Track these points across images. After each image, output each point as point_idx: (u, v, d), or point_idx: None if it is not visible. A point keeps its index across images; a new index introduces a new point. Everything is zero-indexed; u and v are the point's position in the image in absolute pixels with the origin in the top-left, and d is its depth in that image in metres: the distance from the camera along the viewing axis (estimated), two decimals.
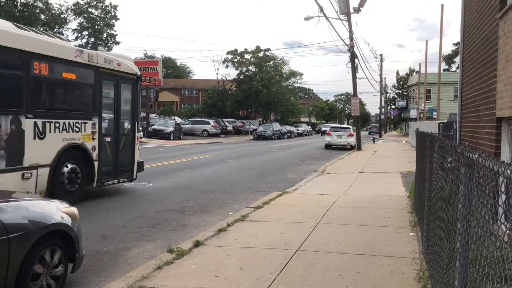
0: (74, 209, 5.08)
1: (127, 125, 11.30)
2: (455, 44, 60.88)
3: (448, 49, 68.82)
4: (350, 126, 36.36)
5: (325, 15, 27.99)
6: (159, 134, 36.30)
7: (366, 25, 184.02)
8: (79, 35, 64.38)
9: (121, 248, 6.58)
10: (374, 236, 6.96)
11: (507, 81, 6.97)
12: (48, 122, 8.72)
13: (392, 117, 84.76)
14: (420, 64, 59.17)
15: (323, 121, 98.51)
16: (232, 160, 20.71)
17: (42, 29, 61.47)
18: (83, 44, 64.47)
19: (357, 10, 29.36)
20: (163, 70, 54.87)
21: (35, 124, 8.42)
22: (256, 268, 5.42)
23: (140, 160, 11.99)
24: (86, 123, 9.74)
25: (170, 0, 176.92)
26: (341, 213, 8.75)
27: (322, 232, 7.19)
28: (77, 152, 9.53)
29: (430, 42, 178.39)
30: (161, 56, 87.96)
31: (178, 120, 49.66)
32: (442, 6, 43.47)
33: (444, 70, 58.38)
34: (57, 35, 10.37)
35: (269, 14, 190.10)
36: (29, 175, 8.28)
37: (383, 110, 71.17)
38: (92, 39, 64.65)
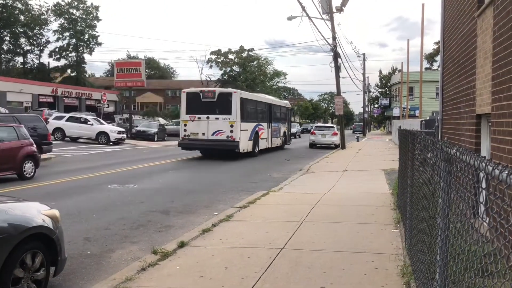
0: (55, 212, 5.01)
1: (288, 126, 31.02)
2: (436, 43, 61.71)
3: (429, 47, 69.86)
4: (334, 125, 36.56)
5: (307, 14, 28.14)
6: (143, 136, 36.01)
7: (348, 24, 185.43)
8: (60, 36, 63.56)
9: (104, 250, 6.51)
10: (358, 233, 7.02)
11: (485, 79, 7.09)
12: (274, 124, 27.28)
13: (375, 115, 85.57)
14: (402, 63, 59.85)
15: (307, 120, 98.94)
16: (217, 161, 20.63)
17: (22, 30, 60.54)
18: (64, 45, 63.71)
19: (340, 10, 29.55)
20: (147, 71, 54.41)
21: (260, 126, 24.58)
22: (241, 267, 5.42)
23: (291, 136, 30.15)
24: (284, 125, 29.98)
25: (152, 0, 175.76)
26: (326, 211, 8.79)
27: (307, 231, 7.22)
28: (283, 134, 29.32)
29: (412, 41, 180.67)
30: (144, 56, 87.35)
31: (162, 121, 49.33)
32: (423, 5, 44.09)
33: (426, 68, 59.11)
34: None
35: (252, 14, 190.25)
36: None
37: (366, 109, 71.82)
38: (74, 40, 63.91)
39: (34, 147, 13.74)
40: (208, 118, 20.57)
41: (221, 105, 20.55)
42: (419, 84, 34.79)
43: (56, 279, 5.12)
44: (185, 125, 21.24)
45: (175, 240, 6.74)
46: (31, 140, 13.84)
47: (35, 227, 4.45)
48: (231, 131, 20.29)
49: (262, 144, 24.54)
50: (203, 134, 20.69)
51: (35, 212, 4.68)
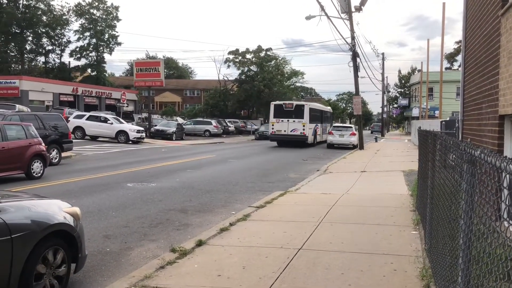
0: (76, 209, 5.09)
1: (330, 125, 37.43)
2: (457, 42, 60.75)
3: (450, 47, 68.73)
4: (352, 125, 36.33)
5: (326, 14, 28.00)
6: (162, 135, 36.32)
7: (367, 24, 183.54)
8: (81, 36, 64.43)
9: (123, 248, 6.58)
10: (377, 235, 6.95)
11: (509, 79, 6.95)
12: (323, 125, 36.25)
13: (394, 116, 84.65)
14: (422, 62, 59.11)
15: None
16: (234, 160, 20.72)
17: (44, 30, 61.65)
18: (85, 45, 64.63)
19: (358, 9, 29.31)
20: (165, 70, 54.84)
21: (317, 126, 34.59)
22: (259, 267, 5.42)
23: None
24: (328, 124, 38.35)
25: (171, 0, 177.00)
26: (344, 212, 8.74)
27: (324, 231, 7.18)
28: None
29: (431, 40, 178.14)
30: (163, 56, 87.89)
31: (180, 120, 49.68)
32: (443, 4, 43.18)
33: (446, 68, 58.24)
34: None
35: (270, 14, 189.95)
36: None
37: (385, 109, 71.12)
38: (94, 40, 64.75)
39: (42, 146, 13.66)
40: (288, 120, 31.54)
41: (297, 112, 31.62)
42: (439, 84, 34.26)
43: (77, 275, 5.20)
44: (272, 125, 32.29)
45: (193, 238, 6.78)
46: (40, 139, 13.75)
47: (56, 224, 4.52)
48: (303, 129, 31.26)
49: (318, 138, 34.72)
50: (284, 131, 31.60)
51: (57, 210, 4.76)
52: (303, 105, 32.55)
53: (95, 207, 9.27)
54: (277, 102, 34.06)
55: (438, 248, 4.43)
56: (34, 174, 13.12)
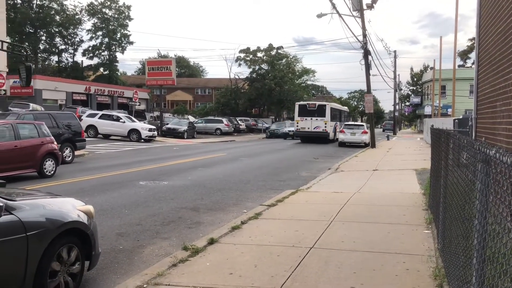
0: (90, 207, 5.14)
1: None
2: (470, 40, 60.06)
3: (463, 44, 67.90)
4: (364, 124, 36.14)
5: (338, 12, 27.84)
6: (173, 133, 36.48)
7: (379, 21, 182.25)
8: (93, 35, 64.99)
9: (136, 246, 6.64)
10: (389, 234, 6.92)
11: None
12: (341, 123, 36.49)
13: (406, 114, 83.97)
14: (434, 60, 58.58)
15: None
16: (245, 158, 20.74)
17: (57, 30, 62.28)
18: (97, 44, 65.15)
19: (370, 7, 29.11)
20: (177, 69, 55.08)
21: (337, 123, 36.62)
22: (271, 265, 5.43)
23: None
24: (340, 123, 37.45)
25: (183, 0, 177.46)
26: (356, 211, 8.70)
27: (336, 230, 7.16)
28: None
29: (444, 38, 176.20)
30: (174, 55, 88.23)
31: (191, 119, 49.85)
32: (456, 0, 42.79)
33: (459, 66, 57.58)
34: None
35: (281, 12, 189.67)
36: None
37: (397, 107, 70.58)
38: (106, 40, 65.25)
39: (55, 145, 13.75)
40: (311, 119, 34.87)
41: (319, 111, 35.05)
42: (452, 82, 33.92)
43: (90, 273, 5.26)
44: (297, 123, 35.66)
45: (205, 237, 6.81)
46: (52, 138, 13.84)
47: (70, 222, 4.58)
48: (325, 127, 34.51)
49: (337, 135, 36.40)
50: (308, 128, 34.98)
51: (71, 208, 4.82)
52: (325, 105, 36.04)
53: (108, 205, 9.35)
54: (301, 103, 37.57)
55: (451, 247, 4.39)
56: (47, 172, 13.24)
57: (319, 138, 34.16)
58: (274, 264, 5.46)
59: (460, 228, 3.71)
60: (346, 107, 53.21)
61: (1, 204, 3.80)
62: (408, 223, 7.67)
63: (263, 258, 5.71)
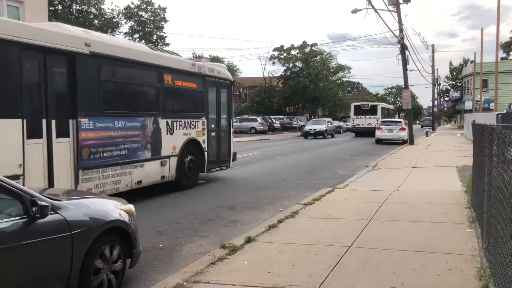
0: (131, 206, 5.27)
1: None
2: None
3: (505, 36, 65.07)
4: (401, 120, 35.39)
5: (373, 6, 27.38)
6: None
7: (416, 15, 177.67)
8: (131, 38, 66.45)
9: (175, 244, 6.75)
10: (430, 233, 6.75)
11: None
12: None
13: (445, 109, 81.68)
14: (475, 53, 56.63)
15: None
16: (280, 157, 20.72)
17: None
18: None
19: (407, 0, 28.49)
20: None
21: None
22: (308, 264, 5.40)
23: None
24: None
25: (215, 0, 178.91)
26: (395, 209, 8.54)
27: (375, 229, 7.05)
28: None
29: (485, 29, 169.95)
30: (209, 56, 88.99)
31: None
32: None
33: (502, 58, 55.45)
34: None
35: (315, 9, 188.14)
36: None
37: (436, 102, 68.70)
38: (143, 42, 66.60)
39: None
40: (365, 117, 41.35)
41: (372, 110, 41.60)
42: (494, 75, 32.71)
43: (132, 270, 5.39)
44: (353, 120, 42.49)
45: (242, 235, 6.84)
46: None
47: (112, 221, 4.70)
48: (377, 123, 36.92)
49: None
50: (362, 124, 41.35)
51: (113, 207, 4.94)
52: (376, 105, 43.39)
53: (147, 204, 9.55)
54: (356, 103, 44.86)
55: (497, 247, 4.24)
56: None
57: (372, 133, 35.95)
58: (312, 263, 5.43)
59: (507, 227, 3.58)
60: (392, 106, 61.73)
61: (48, 204, 3.94)
62: (449, 221, 7.46)
63: (301, 257, 5.68)
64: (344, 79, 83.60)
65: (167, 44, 68.57)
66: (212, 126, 12.67)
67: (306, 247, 6.13)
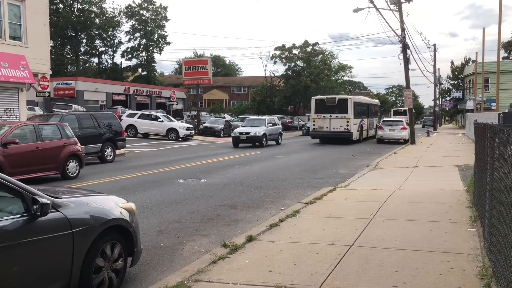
0: (132, 205, 5.26)
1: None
2: None
3: (507, 35, 64.86)
4: (403, 119, 35.28)
5: (375, 6, 27.32)
6: (210, 132, 36.86)
7: (417, 14, 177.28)
8: (132, 37, 66.46)
9: (176, 243, 6.74)
10: (432, 232, 6.73)
11: None
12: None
13: (447, 109, 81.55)
14: (476, 52, 56.50)
15: None
16: (282, 156, 20.70)
17: (97, 32, 64.13)
18: (136, 46, 66.62)
19: (408, 0, 28.42)
20: (212, 68, 55.56)
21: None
22: (310, 263, 5.39)
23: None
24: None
25: None
26: (396, 209, 8.52)
27: (376, 228, 7.03)
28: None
29: (486, 29, 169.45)
30: (210, 54, 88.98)
31: (227, 117, 50.19)
32: None
33: (503, 58, 55.30)
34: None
35: (316, 8, 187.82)
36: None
37: (437, 102, 68.61)
38: (144, 41, 66.58)
39: (78, 146, 13.46)
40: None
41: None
42: (495, 75, 32.64)
43: (133, 269, 5.38)
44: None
45: (243, 234, 6.83)
46: (76, 139, 13.62)
47: (113, 219, 4.69)
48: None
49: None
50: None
51: (113, 205, 4.93)
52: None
53: (149, 202, 9.55)
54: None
55: (499, 246, 4.22)
56: (70, 174, 13.01)
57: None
58: (314, 262, 5.42)
59: (510, 226, 3.56)
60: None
61: (49, 202, 3.93)
62: (451, 220, 7.44)
63: (302, 256, 5.67)
64: (345, 78, 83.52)
65: (169, 43, 68.58)
66: (373, 121, 28.59)
67: (308, 246, 6.12)
